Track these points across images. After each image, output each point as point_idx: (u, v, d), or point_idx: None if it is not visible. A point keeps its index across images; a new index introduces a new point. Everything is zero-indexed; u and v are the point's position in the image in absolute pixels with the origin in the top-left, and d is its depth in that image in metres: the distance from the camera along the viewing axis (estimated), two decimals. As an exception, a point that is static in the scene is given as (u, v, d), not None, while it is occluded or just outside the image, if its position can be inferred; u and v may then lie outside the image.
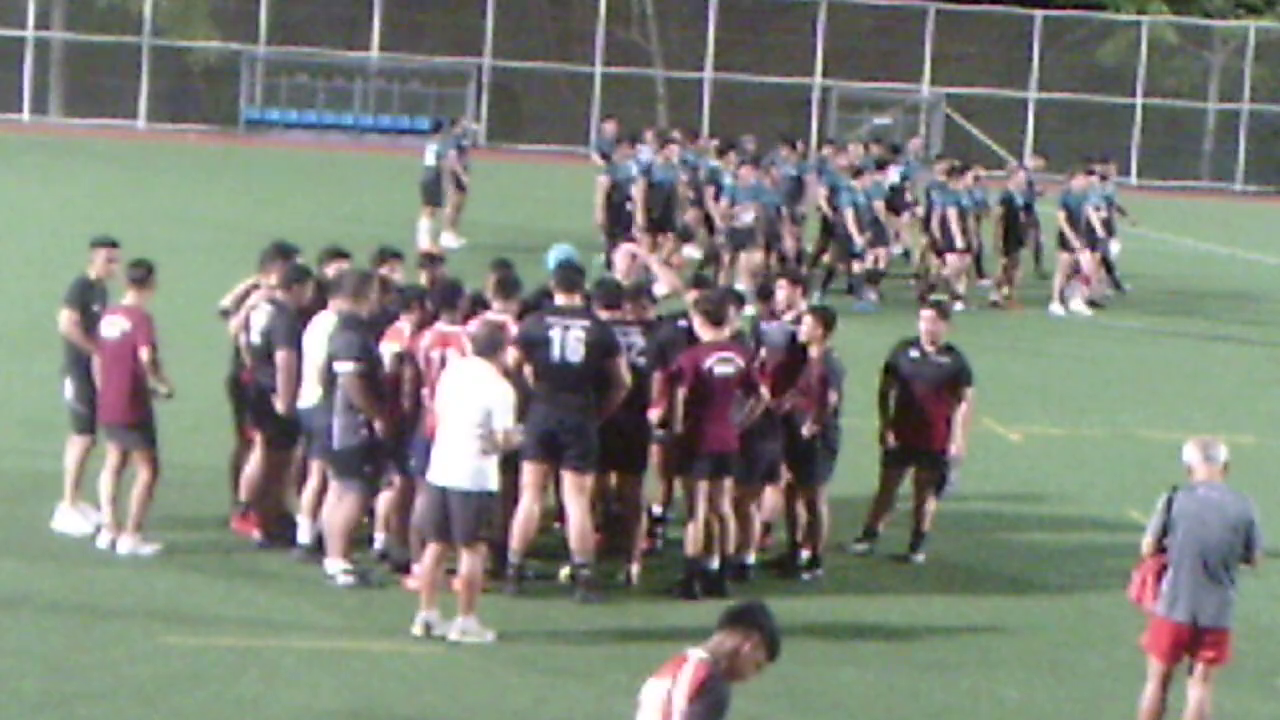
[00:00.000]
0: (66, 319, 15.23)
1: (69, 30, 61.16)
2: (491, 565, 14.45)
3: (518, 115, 62.72)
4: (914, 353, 15.85)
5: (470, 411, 12.93)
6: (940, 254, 30.46)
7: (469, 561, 13.07)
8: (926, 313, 16.07)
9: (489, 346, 13.19)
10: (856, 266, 29.76)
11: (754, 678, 7.67)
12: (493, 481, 13.17)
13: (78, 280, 15.45)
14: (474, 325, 14.28)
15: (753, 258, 28.25)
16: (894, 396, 15.85)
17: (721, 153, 32.49)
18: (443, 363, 14.03)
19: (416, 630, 13.08)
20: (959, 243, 30.05)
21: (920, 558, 15.79)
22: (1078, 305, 30.84)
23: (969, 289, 30.55)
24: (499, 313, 14.48)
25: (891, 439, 15.81)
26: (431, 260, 15.79)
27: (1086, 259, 30.85)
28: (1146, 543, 11.64)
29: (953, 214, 30.05)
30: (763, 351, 15.26)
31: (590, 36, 61.87)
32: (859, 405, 16.64)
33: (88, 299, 15.25)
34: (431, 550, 13.22)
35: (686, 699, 7.41)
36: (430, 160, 33.90)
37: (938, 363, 15.74)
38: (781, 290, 15.82)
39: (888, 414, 15.88)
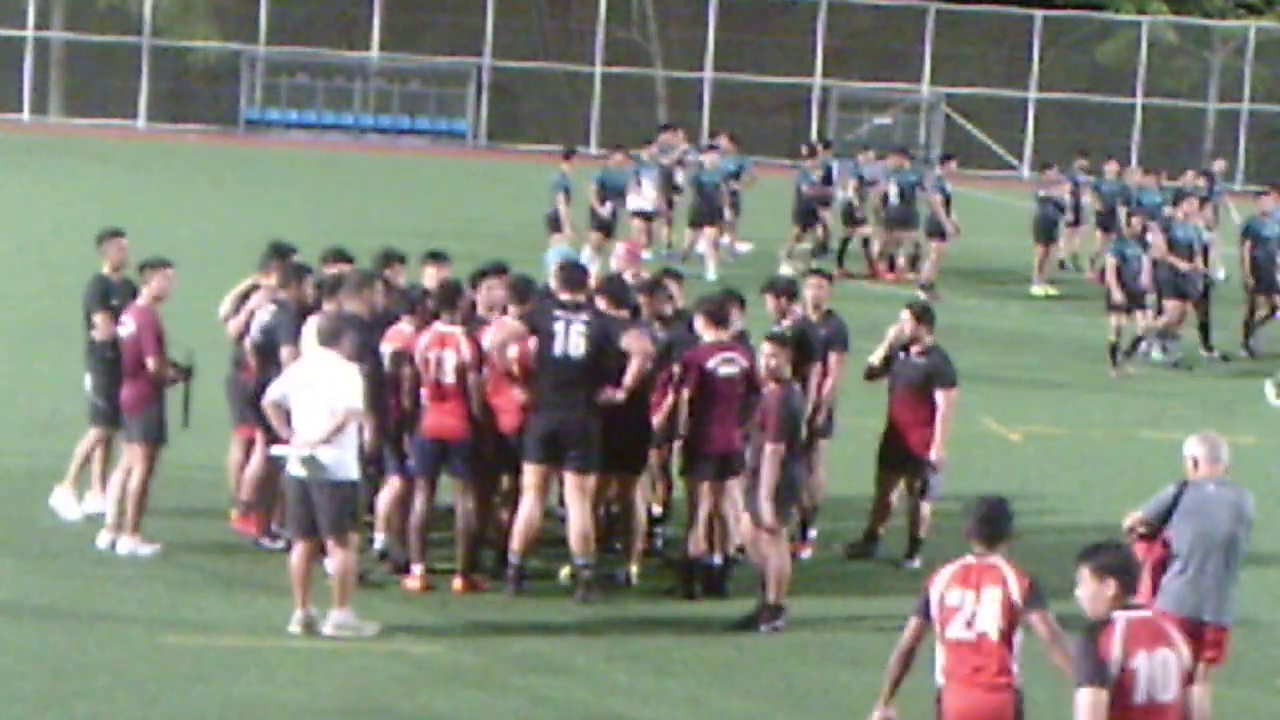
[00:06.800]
0: (102, 325, 15.13)
1: (69, 30, 61.13)
2: (492, 565, 14.49)
3: (517, 115, 62.68)
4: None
5: (322, 401, 12.87)
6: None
7: (340, 555, 12.94)
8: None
9: (331, 336, 13.17)
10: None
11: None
12: (354, 470, 13.08)
13: (96, 279, 15.40)
14: (496, 328, 14.24)
15: None
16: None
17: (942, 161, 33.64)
18: (439, 364, 14.04)
19: (295, 629, 12.97)
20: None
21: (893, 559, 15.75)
22: None
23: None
24: (513, 317, 14.45)
25: None
26: (436, 259, 15.77)
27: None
28: (1135, 517, 11.56)
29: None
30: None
31: (590, 36, 61.82)
32: (860, 404, 16.65)
33: (108, 295, 15.24)
34: (299, 549, 13.04)
35: (1026, 598, 9.43)
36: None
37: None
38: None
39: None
